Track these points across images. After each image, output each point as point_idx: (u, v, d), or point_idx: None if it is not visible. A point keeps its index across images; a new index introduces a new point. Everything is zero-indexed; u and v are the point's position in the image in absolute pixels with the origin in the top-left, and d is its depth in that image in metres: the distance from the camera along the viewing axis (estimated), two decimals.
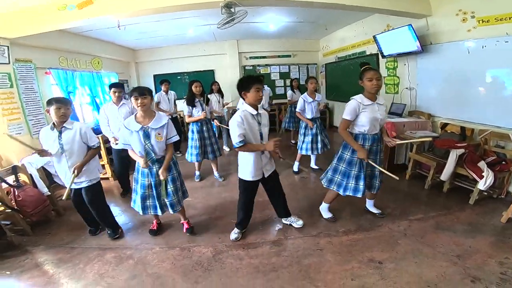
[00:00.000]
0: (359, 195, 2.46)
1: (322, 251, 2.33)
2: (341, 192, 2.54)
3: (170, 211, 2.49)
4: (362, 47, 5.70)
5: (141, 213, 2.48)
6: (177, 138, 2.48)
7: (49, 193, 3.19)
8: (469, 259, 2.09)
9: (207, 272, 2.15)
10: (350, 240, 2.45)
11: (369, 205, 2.88)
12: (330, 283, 1.96)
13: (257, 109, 2.25)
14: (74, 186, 2.46)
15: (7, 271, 2.31)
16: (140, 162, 2.31)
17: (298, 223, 2.68)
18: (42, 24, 3.37)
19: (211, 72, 7.71)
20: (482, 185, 2.77)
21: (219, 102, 5.14)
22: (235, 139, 2.17)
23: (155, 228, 2.75)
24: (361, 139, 2.42)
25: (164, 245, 2.55)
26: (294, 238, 2.54)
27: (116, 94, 3.40)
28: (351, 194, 2.49)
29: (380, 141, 2.48)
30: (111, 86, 3.46)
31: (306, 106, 3.83)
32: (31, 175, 3.10)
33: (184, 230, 2.72)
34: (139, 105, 2.23)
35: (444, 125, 3.72)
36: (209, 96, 4.12)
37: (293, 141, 5.86)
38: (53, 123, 2.38)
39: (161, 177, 2.34)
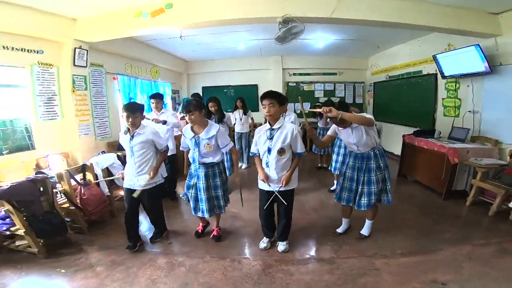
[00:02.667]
0: (343, 203, 2.66)
1: (378, 271, 2.23)
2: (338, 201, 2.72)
3: (217, 211, 2.66)
4: (418, 66, 5.43)
5: (193, 213, 2.67)
6: (231, 145, 2.64)
7: (109, 194, 3.35)
8: None
9: (257, 285, 2.12)
10: (409, 262, 2.35)
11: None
12: None
13: (271, 125, 2.34)
14: (135, 187, 2.56)
15: (62, 269, 2.36)
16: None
17: (282, 247, 2.57)
18: (119, 30, 3.66)
19: (255, 87, 7.86)
20: None
21: (241, 119, 5.18)
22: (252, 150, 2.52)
23: (199, 230, 2.90)
24: (347, 154, 2.67)
25: (214, 255, 2.55)
26: (347, 258, 2.44)
27: (154, 104, 3.63)
28: (342, 203, 2.69)
29: (370, 160, 2.49)
30: (151, 97, 3.68)
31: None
32: (96, 174, 3.28)
33: (211, 236, 2.82)
34: (188, 121, 2.49)
35: None
36: (231, 113, 4.23)
37: (325, 165, 5.25)
38: (127, 127, 2.53)
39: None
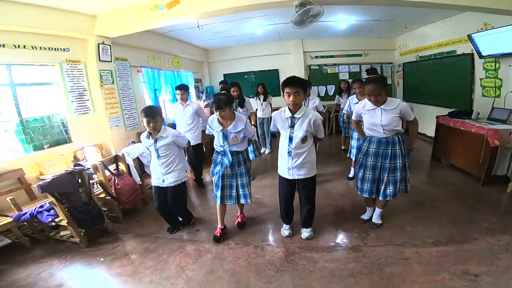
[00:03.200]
0: (365, 195, 2.56)
1: (407, 260, 2.16)
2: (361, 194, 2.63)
3: (243, 200, 2.63)
4: (451, 46, 5.08)
5: (218, 202, 2.61)
6: (255, 138, 2.71)
7: (140, 183, 3.51)
8: None
9: (280, 272, 2.15)
10: (440, 252, 2.24)
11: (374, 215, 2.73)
12: None
13: (293, 113, 2.25)
14: (163, 184, 2.66)
15: (101, 257, 2.52)
16: None
17: (306, 233, 2.60)
18: (137, 24, 3.74)
19: (275, 71, 7.75)
20: None
21: (261, 104, 5.18)
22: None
23: (218, 234, 2.73)
24: (367, 141, 2.52)
25: (239, 241, 2.63)
26: (375, 246, 2.40)
27: (179, 96, 3.67)
28: (365, 196, 2.58)
29: (394, 145, 2.39)
30: (176, 88, 3.72)
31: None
32: (128, 164, 3.43)
33: (235, 223, 2.88)
34: (218, 117, 2.47)
35: None
36: (251, 99, 4.20)
37: (343, 147, 5.34)
38: (149, 132, 2.57)
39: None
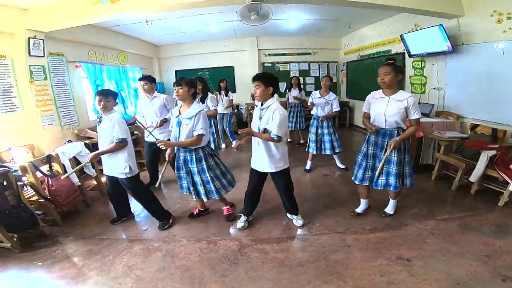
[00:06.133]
0: (356, 181, 2.61)
1: (349, 247, 2.33)
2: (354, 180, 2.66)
3: (204, 198, 2.60)
4: (387, 45, 5.59)
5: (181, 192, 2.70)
6: (202, 132, 2.38)
7: (80, 184, 3.27)
8: (498, 259, 2.07)
9: (234, 265, 2.18)
10: (377, 238, 2.44)
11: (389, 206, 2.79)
12: (359, 279, 1.95)
13: (262, 104, 2.38)
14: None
15: (39, 262, 2.35)
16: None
17: (298, 221, 2.70)
18: (76, 18, 3.46)
19: (231, 68, 7.76)
20: None
21: (222, 100, 5.29)
22: None
23: (195, 212, 2.95)
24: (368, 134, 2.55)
25: (190, 238, 2.59)
26: (320, 234, 2.54)
27: (142, 87, 3.38)
28: (356, 182, 2.63)
29: (390, 138, 2.39)
30: (140, 79, 3.48)
31: (314, 102, 3.91)
32: (63, 164, 3.17)
33: (223, 214, 2.88)
34: (175, 94, 2.47)
35: (474, 126, 3.60)
36: (212, 95, 4.17)
37: (302, 141, 5.60)
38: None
39: (166, 157, 2.58)
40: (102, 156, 2.56)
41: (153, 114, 3.41)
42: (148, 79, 3.42)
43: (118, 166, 2.57)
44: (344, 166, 4.11)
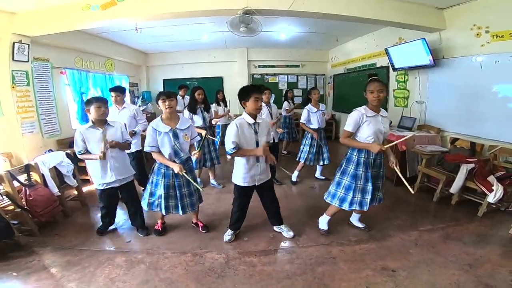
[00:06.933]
0: (365, 208, 2.40)
1: (335, 259, 2.34)
2: (345, 207, 2.46)
3: (190, 209, 2.60)
4: (373, 59, 5.74)
5: (163, 213, 2.56)
6: (199, 138, 2.63)
7: (59, 194, 3.16)
8: (480, 268, 2.14)
9: (221, 278, 2.14)
10: (363, 249, 2.47)
11: (354, 219, 2.83)
12: None
13: (255, 118, 2.33)
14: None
15: (14, 272, 2.26)
16: (174, 168, 2.35)
17: (289, 233, 2.69)
18: (66, 24, 3.42)
19: (220, 79, 7.78)
20: (491, 198, 2.83)
21: (223, 111, 5.21)
22: (228, 146, 2.27)
23: (159, 228, 2.81)
24: (364, 151, 2.36)
25: (176, 250, 2.52)
26: (307, 247, 2.54)
27: (113, 98, 3.35)
28: (357, 209, 2.43)
29: (381, 154, 2.40)
30: (110, 90, 3.41)
31: (311, 116, 3.87)
32: (43, 174, 3.07)
33: (200, 229, 2.83)
34: (166, 107, 2.36)
35: (454, 140, 3.74)
36: (213, 105, 4.11)
37: (284, 152, 5.81)
38: (92, 122, 2.47)
39: (179, 172, 2.34)
40: (111, 164, 2.55)
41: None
42: (120, 90, 3.42)
43: (129, 166, 2.75)
44: (325, 177, 4.22)
